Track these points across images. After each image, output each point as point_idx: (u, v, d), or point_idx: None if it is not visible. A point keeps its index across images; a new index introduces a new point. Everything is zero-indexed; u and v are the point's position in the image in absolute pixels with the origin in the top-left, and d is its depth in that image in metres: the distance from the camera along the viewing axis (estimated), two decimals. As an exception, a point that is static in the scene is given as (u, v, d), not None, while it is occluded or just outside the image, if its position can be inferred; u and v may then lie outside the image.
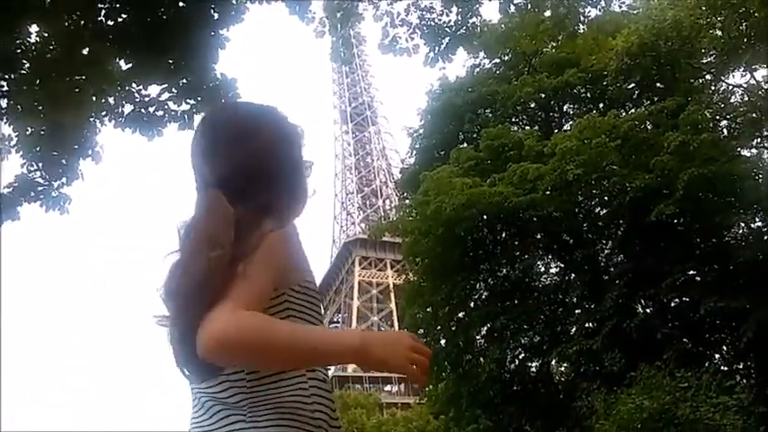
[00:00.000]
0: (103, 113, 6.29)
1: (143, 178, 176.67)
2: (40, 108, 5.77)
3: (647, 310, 14.52)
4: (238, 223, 1.18)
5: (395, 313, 65.67)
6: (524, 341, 16.29)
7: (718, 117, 16.34)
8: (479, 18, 7.44)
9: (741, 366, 14.21)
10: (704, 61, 16.39)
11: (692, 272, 14.09)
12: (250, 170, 1.29)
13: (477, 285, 17.29)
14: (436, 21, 7.37)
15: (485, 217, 16.09)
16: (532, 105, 19.53)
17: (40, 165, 6.41)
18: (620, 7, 13.08)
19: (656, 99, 16.48)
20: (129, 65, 5.94)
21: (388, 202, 76.48)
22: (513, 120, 19.73)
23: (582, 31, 8.26)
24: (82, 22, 5.70)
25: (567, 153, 14.71)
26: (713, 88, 17.23)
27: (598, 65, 16.60)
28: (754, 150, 16.19)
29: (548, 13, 7.82)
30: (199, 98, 6.19)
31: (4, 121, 6.10)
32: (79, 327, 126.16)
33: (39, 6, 5.49)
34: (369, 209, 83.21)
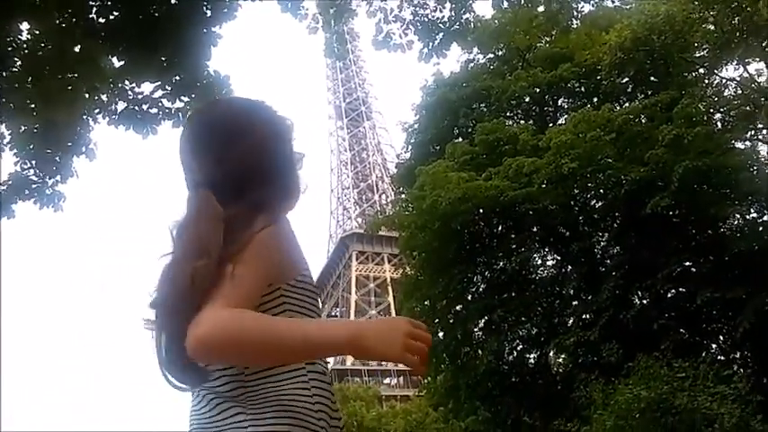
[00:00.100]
0: (96, 111, 6.28)
1: (138, 175, 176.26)
2: (33, 106, 5.75)
3: (644, 302, 14.57)
4: (230, 222, 1.18)
5: (392, 307, 65.81)
6: (522, 333, 16.36)
7: (711, 110, 16.39)
8: (473, 14, 7.44)
9: (738, 356, 14.31)
10: (697, 55, 16.44)
11: (687, 263, 14.19)
12: (245, 168, 1.27)
13: (475, 278, 17.35)
14: (430, 16, 7.36)
15: (481, 211, 16.13)
16: (527, 100, 19.53)
17: (34, 162, 6.41)
18: (613, 2, 13.16)
19: (649, 93, 16.52)
20: (122, 62, 5.92)
21: (384, 196, 76.46)
22: (508, 114, 19.76)
23: (575, 26, 8.26)
24: (73, 19, 5.67)
25: (562, 147, 14.75)
26: (707, 82, 17.28)
27: (592, 59, 16.70)
28: (747, 143, 16.29)
29: (541, 9, 7.82)
30: (192, 95, 6.18)
31: (-3, 119, 6.09)
32: (78, 326, 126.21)
33: (30, 4, 5.47)
34: (365, 204, 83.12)
